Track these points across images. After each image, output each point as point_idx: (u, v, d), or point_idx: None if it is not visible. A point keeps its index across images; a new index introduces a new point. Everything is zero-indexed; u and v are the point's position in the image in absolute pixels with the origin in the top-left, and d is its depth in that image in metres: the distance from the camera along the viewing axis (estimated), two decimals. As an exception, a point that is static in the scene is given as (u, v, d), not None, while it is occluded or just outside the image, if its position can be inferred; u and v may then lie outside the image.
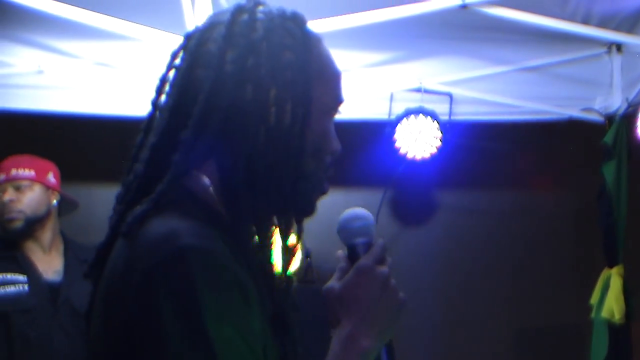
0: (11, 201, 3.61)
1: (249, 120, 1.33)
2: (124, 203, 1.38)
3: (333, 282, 1.42)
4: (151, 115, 1.44)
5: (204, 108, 1.34)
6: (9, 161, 3.72)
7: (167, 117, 1.39)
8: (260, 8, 1.42)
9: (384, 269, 1.39)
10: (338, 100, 1.44)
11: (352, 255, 1.43)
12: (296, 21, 1.42)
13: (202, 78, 1.36)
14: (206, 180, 1.37)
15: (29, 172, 3.68)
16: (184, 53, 1.42)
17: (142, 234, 1.26)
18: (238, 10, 1.41)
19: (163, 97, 1.43)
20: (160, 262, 1.19)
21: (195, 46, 1.41)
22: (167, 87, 1.43)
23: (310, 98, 1.37)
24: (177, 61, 1.43)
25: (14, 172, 3.66)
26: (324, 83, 1.41)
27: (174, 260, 1.19)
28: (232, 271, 1.22)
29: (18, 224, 3.61)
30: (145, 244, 1.24)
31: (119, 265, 1.27)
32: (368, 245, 1.43)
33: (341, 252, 1.46)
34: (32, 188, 3.66)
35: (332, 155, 1.43)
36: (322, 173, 1.42)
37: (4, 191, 3.63)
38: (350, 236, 1.44)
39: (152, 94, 1.45)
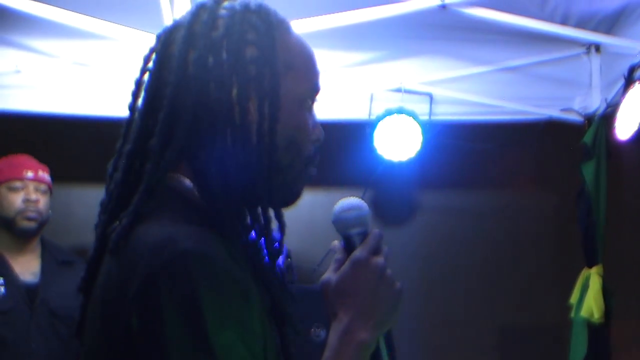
0: (37, 201, 3.67)
1: (215, 121, 1.31)
2: (107, 213, 1.37)
3: (329, 275, 1.40)
4: (129, 120, 1.42)
5: (168, 114, 1.33)
6: (31, 160, 3.78)
7: (139, 123, 1.38)
8: (224, 4, 1.40)
9: (380, 259, 1.37)
10: (313, 89, 1.43)
11: (348, 246, 1.41)
12: (260, 14, 1.39)
13: (166, 82, 1.35)
14: (187, 181, 1.36)
15: (48, 177, 3.78)
16: (155, 55, 1.41)
17: (137, 242, 1.24)
18: (199, 9, 1.39)
19: (139, 101, 1.41)
20: (161, 268, 1.18)
21: (161, 49, 1.39)
22: (142, 91, 1.41)
23: (277, 92, 1.35)
24: (150, 64, 1.42)
25: (40, 173, 3.75)
26: (295, 74, 1.39)
27: (174, 265, 1.18)
28: (232, 273, 1.22)
29: (34, 224, 3.67)
30: (143, 250, 1.22)
31: (114, 275, 1.26)
32: (363, 235, 1.41)
33: (336, 243, 1.44)
34: (48, 193, 3.77)
35: (315, 144, 1.42)
36: (301, 164, 1.40)
37: (24, 188, 3.67)
38: (345, 227, 1.42)
39: (129, 98, 1.43)
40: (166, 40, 1.40)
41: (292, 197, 1.42)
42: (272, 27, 1.38)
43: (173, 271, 1.18)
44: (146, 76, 1.41)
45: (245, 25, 1.36)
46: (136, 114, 1.41)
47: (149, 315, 1.17)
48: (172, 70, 1.34)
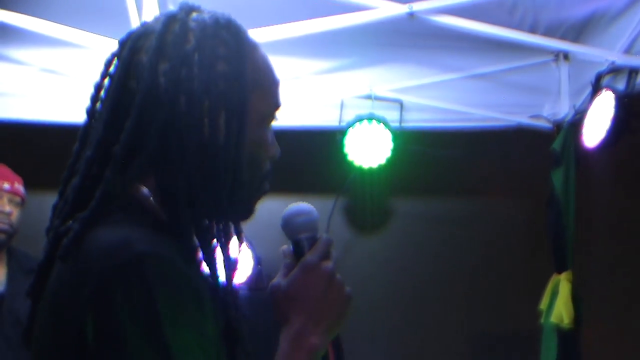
0: (10, 214, 3.65)
1: (184, 134, 1.31)
2: (60, 217, 1.35)
3: (279, 279, 1.40)
4: (87, 125, 1.41)
5: (136, 122, 1.32)
6: (8, 171, 3.75)
7: (101, 129, 1.36)
8: (193, 16, 1.39)
9: (329, 264, 1.38)
10: (274, 108, 1.43)
11: (297, 250, 1.42)
12: (230, 30, 1.39)
13: (134, 90, 1.33)
14: (145, 190, 1.35)
15: (23, 190, 3.76)
16: (118, 61, 1.39)
17: (89, 246, 1.23)
18: (170, 19, 1.38)
19: (98, 106, 1.40)
20: (116, 269, 1.17)
21: (128, 55, 1.37)
22: (101, 96, 1.40)
23: (245, 109, 1.35)
24: (111, 69, 1.40)
25: (16, 185, 3.72)
26: (260, 92, 1.39)
27: (130, 267, 1.17)
28: (186, 277, 1.21)
29: (4, 237, 3.65)
30: (96, 254, 1.21)
31: (65, 279, 1.24)
32: (313, 240, 1.41)
33: (286, 247, 1.44)
34: (21, 205, 3.74)
35: (270, 161, 1.43)
36: (260, 180, 1.41)
37: None
38: (294, 232, 1.43)
39: (87, 102, 1.42)
40: (133, 47, 1.38)
41: (247, 213, 1.42)
42: (241, 44, 1.39)
43: (128, 273, 1.17)
44: (106, 81, 1.40)
45: (216, 40, 1.36)
46: (94, 119, 1.40)
47: (104, 318, 1.16)
48: (142, 79, 1.33)
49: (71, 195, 1.35)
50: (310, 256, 1.38)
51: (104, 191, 1.31)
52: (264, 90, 1.40)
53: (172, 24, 1.37)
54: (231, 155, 1.33)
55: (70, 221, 1.31)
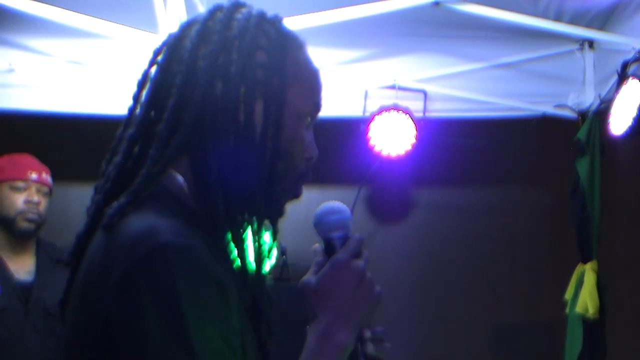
0: (38, 203, 3.68)
1: (219, 117, 1.32)
2: (102, 193, 1.37)
3: (309, 277, 1.41)
4: (132, 109, 1.43)
5: (177, 101, 1.34)
6: (35, 161, 3.77)
7: (144, 109, 1.39)
8: (241, 9, 1.42)
9: (360, 262, 1.39)
10: (314, 107, 1.43)
11: (329, 248, 1.43)
12: (275, 24, 1.41)
13: (176, 72, 1.36)
14: (180, 178, 1.36)
15: (50, 180, 3.79)
16: (166, 49, 1.42)
17: (121, 230, 1.25)
18: (217, 8, 1.42)
19: (144, 92, 1.42)
20: (140, 259, 1.18)
21: (173, 42, 1.41)
22: (148, 82, 1.42)
23: (283, 100, 1.36)
24: (160, 57, 1.42)
25: (44, 175, 3.75)
26: (299, 87, 1.39)
27: (154, 257, 1.18)
28: (211, 268, 1.22)
29: (33, 226, 3.68)
30: (125, 240, 1.23)
31: (97, 259, 1.26)
32: (344, 239, 1.43)
33: (317, 246, 1.46)
34: (48, 195, 3.77)
35: (307, 162, 1.43)
36: (293, 178, 1.41)
37: (27, 189, 3.67)
38: (326, 230, 1.44)
39: (134, 88, 1.43)
40: (179, 35, 1.41)
41: (277, 211, 1.42)
42: (284, 38, 1.41)
43: (152, 263, 1.18)
44: (154, 68, 1.42)
45: (258, 31, 1.38)
46: (139, 104, 1.41)
47: (127, 307, 1.17)
48: (183, 61, 1.36)
49: (113, 172, 1.37)
50: (341, 254, 1.40)
51: (150, 169, 1.33)
52: (304, 87, 1.41)
53: (217, 13, 1.41)
54: (267, 145, 1.34)
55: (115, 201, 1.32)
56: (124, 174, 1.36)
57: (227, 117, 1.33)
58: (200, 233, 1.27)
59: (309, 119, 1.43)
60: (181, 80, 1.34)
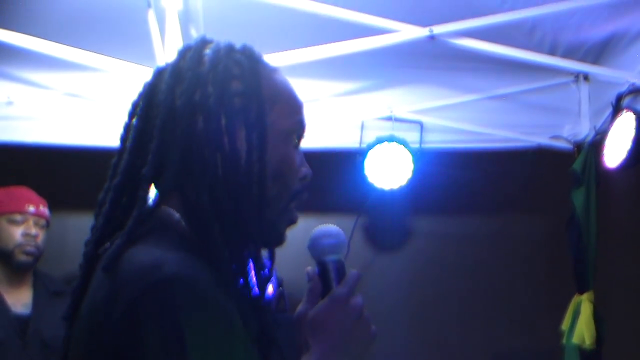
0: (36, 236, 3.69)
1: (204, 150, 1.34)
2: (95, 240, 1.39)
3: (305, 306, 1.43)
4: (120, 151, 1.45)
5: (159, 143, 1.36)
6: (32, 194, 3.79)
7: (128, 156, 1.41)
8: (209, 45, 1.45)
9: (359, 299, 1.39)
10: (298, 125, 1.45)
11: (322, 272, 1.43)
12: (244, 52, 1.44)
13: (155, 116, 1.38)
14: (175, 213, 1.38)
15: (48, 212, 3.80)
16: (143, 98, 1.45)
17: (125, 263, 1.26)
18: (186, 49, 1.44)
19: (130, 134, 1.44)
20: (145, 291, 1.19)
21: (148, 90, 1.44)
22: (133, 124, 1.44)
23: (264, 123, 1.38)
24: (138, 109, 1.45)
25: (41, 208, 3.76)
26: (280, 109, 1.42)
27: (159, 289, 1.19)
28: (216, 300, 1.23)
29: (31, 259, 3.68)
30: (130, 273, 1.23)
31: (102, 294, 1.26)
32: (338, 263, 1.43)
33: (310, 269, 1.46)
34: (46, 227, 3.79)
35: (301, 182, 1.45)
36: (288, 200, 1.42)
37: (25, 221, 3.68)
38: (320, 253, 1.44)
39: (121, 130, 1.46)
40: (153, 82, 1.44)
41: (276, 237, 1.44)
42: (256, 63, 1.43)
43: (157, 296, 1.19)
44: (138, 110, 1.44)
45: (230, 61, 1.41)
46: (124, 155, 1.43)
47: (131, 340, 1.18)
48: (160, 104, 1.38)
49: (101, 221, 1.39)
50: (340, 289, 1.40)
51: (140, 210, 1.35)
52: (283, 107, 1.43)
53: (187, 53, 1.43)
54: (255, 169, 1.36)
55: (107, 243, 1.34)
56: (114, 220, 1.38)
57: (212, 149, 1.34)
58: (204, 264, 1.29)
59: (296, 138, 1.45)
60: (161, 121, 1.36)
